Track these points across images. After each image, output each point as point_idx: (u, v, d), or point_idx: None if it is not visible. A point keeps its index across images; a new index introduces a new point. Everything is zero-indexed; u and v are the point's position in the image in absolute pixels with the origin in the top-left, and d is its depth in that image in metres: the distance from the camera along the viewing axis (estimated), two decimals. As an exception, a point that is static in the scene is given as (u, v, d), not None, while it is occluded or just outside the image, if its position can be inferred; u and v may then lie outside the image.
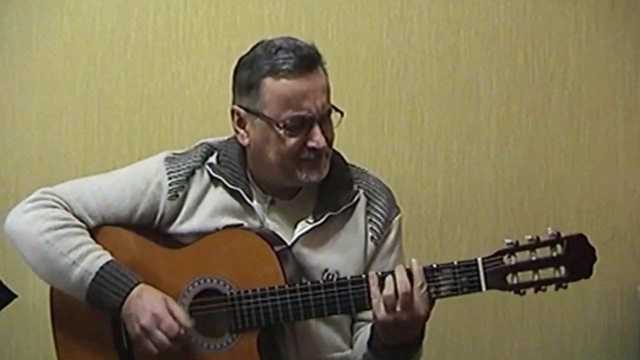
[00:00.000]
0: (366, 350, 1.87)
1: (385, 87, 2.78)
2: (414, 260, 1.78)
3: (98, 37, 2.71)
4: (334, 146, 2.00)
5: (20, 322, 2.68)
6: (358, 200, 1.94)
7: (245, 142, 1.90)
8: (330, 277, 1.89)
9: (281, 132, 1.83)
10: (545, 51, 2.81)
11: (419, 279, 1.74)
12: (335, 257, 1.91)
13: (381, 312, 1.74)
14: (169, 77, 2.73)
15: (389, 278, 1.75)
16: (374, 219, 1.95)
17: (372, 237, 1.94)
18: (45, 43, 2.71)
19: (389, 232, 1.96)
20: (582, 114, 2.83)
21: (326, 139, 1.85)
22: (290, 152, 1.84)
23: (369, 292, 1.78)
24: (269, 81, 1.83)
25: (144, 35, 2.72)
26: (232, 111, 1.90)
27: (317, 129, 1.83)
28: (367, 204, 1.95)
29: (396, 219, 1.98)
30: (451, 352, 2.79)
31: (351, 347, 1.96)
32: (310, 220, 1.90)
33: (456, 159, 2.80)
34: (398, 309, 1.73)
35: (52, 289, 1.94)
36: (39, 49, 2.71)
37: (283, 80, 1.82)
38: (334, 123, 1.90)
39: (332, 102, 1.90)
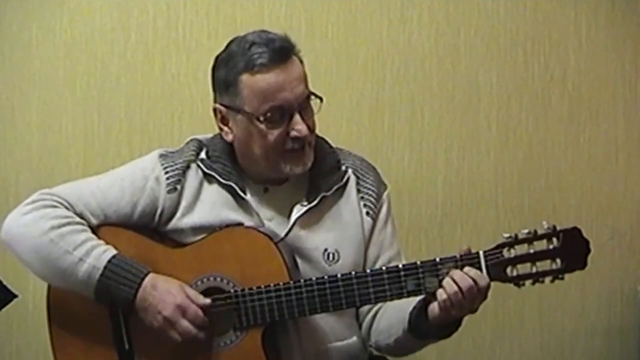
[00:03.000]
0: (402, 334, 1.87)
1: (385, 87, 2.78)
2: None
3: (98, 37, 2.71)
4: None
5: (20, 322, 2.68)
6: (348, 179, 1.98)
7: (230, 138, 1.94)
8: (330, 256, 1.92)
9: (262, 126, 1.86)
10: (545, 51, 2.82)
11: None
12: (333, 236, 1.94)
13: (451, 311, 1.76)
14: (169, 77, 2.73)
15: (447, 280, 1.77)
16: (365, 196, 1.99)
17: (367, 213, 1.98)
18: (45, 43, 2.71)
19: (381, 206, 2.01)
20: (582, 114, 2.83)
21: (308, 127, 1.88)
22: (274, 145, 1.87)
23: (374, 286, 1.80)
24: (245, 77, 1.86)
25: (144, 35, 2.72)
26: (215, 109, 1.95)
27: (297, 118, 1.86)
28: (357, 182, 2.00)
29: (386, 193, 2.03)
30: (451, 352, 2.79)
31: (356, 333, 1.98)
32: (305, 203, 1.93)
33: (456, 159, 2.80)
34: (465, 302, 1.75)
35: (49, 292, 1.94)
36: (39, 49, 2.71)
37: (258, 75, 1.86)
38: (315, 109, 1.92)
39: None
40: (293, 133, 1.86)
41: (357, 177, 2.00)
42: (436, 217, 2.80)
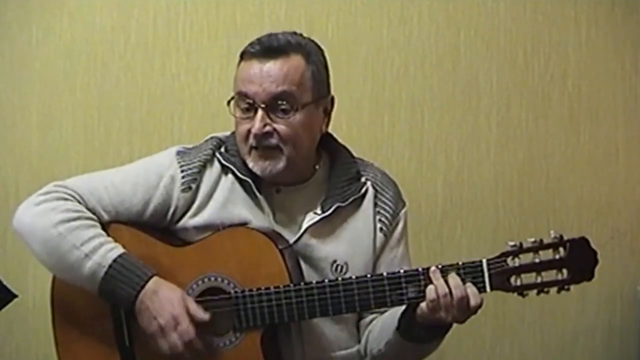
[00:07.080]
0: (392, 336, 1.86)
1: (385, 87, 2.78)
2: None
3: (98, 37, 2.71)
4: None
5: (20, 322, 2.68)
6: (366, 191, 1.96)
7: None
8: (338, 268, 1.90)
9: (235, 113, 1.89)
10: (545, 51, 2.82)
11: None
12: (344, 248, 1.92)
13: (438, 313, 1.75)
14: (169, 77, 2.73)
15: (441, 282, 1.75)
16: (382, 211, 1.96)
17: (381, 229, 1.95)
18: (45, 43, 2.71)
19: (397, 224, 1.98)
20: (582, 114, 2.83)
21: (265, 126, 1.85)
22: (240, 137, 1.90)
23: (375, 292, 1.78)
24: (240, 64, 1.91)
25: (144, 35, 2.72)
26: None
27: (258, 115, 1.85)
28: (375, 196, 1.97)
29: (403, 211, 2.00)
30: (451, 352, 2.79)
31: (358, 342, 1.96)
32: (319, 212, 1.91)
33: (456, 159, 2.80)
34: (453, 309, 1.74)
35: (53, 287, 1.94)
36: (39, 49, 2.71)
37: (243, 63, 1.90)
38: (309, 120, 1.90)
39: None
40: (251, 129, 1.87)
41: (376, 191, 1.97)
42: (436, 217, 2.80)
